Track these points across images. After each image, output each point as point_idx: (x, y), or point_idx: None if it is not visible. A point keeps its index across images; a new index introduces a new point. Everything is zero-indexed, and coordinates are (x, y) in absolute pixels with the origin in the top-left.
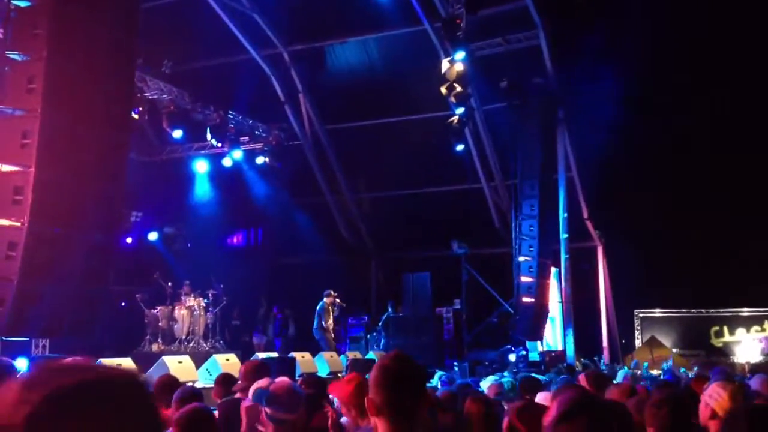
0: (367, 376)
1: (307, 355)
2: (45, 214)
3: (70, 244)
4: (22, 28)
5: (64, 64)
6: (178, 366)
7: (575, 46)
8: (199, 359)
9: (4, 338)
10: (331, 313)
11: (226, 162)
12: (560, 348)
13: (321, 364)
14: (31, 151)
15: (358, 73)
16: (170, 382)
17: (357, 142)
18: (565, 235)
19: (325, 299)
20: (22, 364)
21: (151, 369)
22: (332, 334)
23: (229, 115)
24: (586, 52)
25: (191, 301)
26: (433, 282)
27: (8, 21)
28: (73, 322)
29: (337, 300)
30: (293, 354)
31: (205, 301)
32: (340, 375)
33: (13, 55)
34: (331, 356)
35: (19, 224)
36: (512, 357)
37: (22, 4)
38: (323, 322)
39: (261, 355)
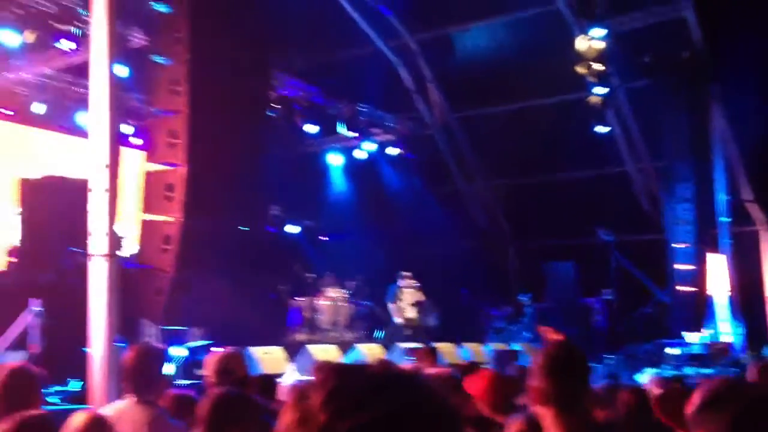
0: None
1: (449, 345)
2: (196, 209)
3: (220, 237)
4: (164, 33)
5: (205, 65)
6: (323, 355)
7: (727, 15)
8: (343, 349)
9: (163, 327)
10: (405, 300)
11: (359, 154)
12: (726, 340)
13: (464, 354)
14: (180, 150)
15: (488, 58)
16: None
17: (489, 128)
18: (726, 219)
19: (398, 281)
20: (178, 352)
21: (296, 357)
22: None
23: (359, 108)
24: (740, 20)
25: (333, 292)
26: (576, 271)
27: (151, 27)
28: (225, 311)
29: (413, 282)
30: (434, 344)
31: (346, 292)
32: (482, 365)
33: (158, 59)
34: (476, 347)
35: (172, 219)
36: (670, 350)
37: (164, 10)
38: (395, 315)
39: (403, 345)
